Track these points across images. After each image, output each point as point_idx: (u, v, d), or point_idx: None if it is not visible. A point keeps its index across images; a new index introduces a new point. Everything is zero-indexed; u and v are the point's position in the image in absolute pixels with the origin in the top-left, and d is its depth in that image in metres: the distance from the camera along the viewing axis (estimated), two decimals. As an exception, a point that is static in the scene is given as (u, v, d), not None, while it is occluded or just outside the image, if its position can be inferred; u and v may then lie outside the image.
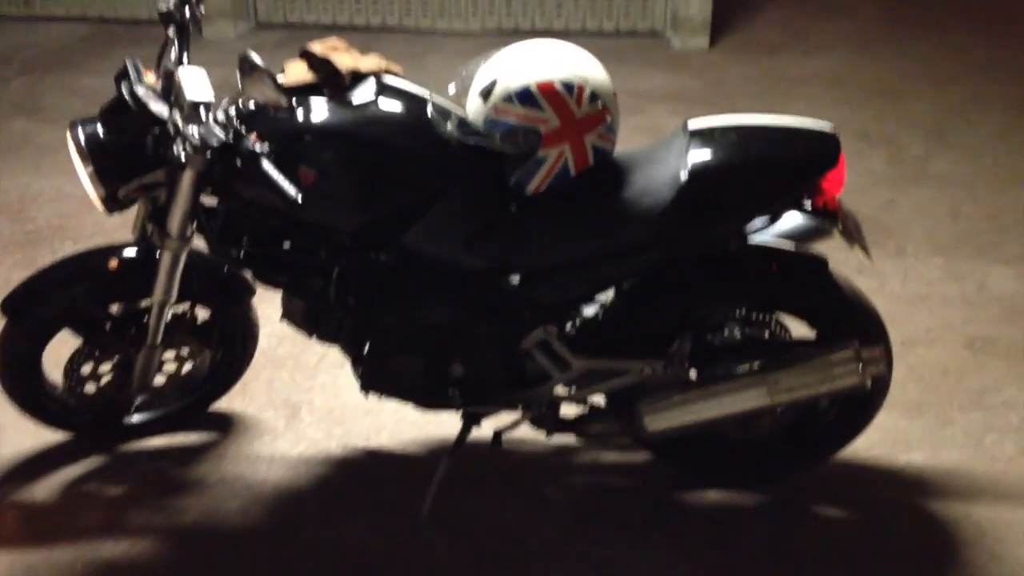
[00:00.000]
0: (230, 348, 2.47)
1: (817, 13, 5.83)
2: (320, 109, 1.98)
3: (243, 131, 1.87)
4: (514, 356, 2.17)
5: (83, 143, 2.00)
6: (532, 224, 2.03)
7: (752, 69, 5.06)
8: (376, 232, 2.04)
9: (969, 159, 4.01)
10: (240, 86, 1.80)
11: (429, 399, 2.25)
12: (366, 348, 2.23)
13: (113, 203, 2.06)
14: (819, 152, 1.97)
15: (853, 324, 2.09)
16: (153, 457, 2.49)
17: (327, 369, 2.81)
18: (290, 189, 1.81)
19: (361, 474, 2.47)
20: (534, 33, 5.43)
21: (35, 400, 2.38)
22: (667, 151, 2.02)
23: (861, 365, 2.01)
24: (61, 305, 2.25)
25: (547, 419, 2.25)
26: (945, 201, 3.69)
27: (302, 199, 1.82)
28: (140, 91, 1.95)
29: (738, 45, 5.41)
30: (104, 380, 2.37)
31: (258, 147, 1.84)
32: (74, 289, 2.26)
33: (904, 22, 5.65)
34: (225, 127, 1.87)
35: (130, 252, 2.27)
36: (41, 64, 5.19)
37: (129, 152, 2.02)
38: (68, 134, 2.05)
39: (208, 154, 1.87)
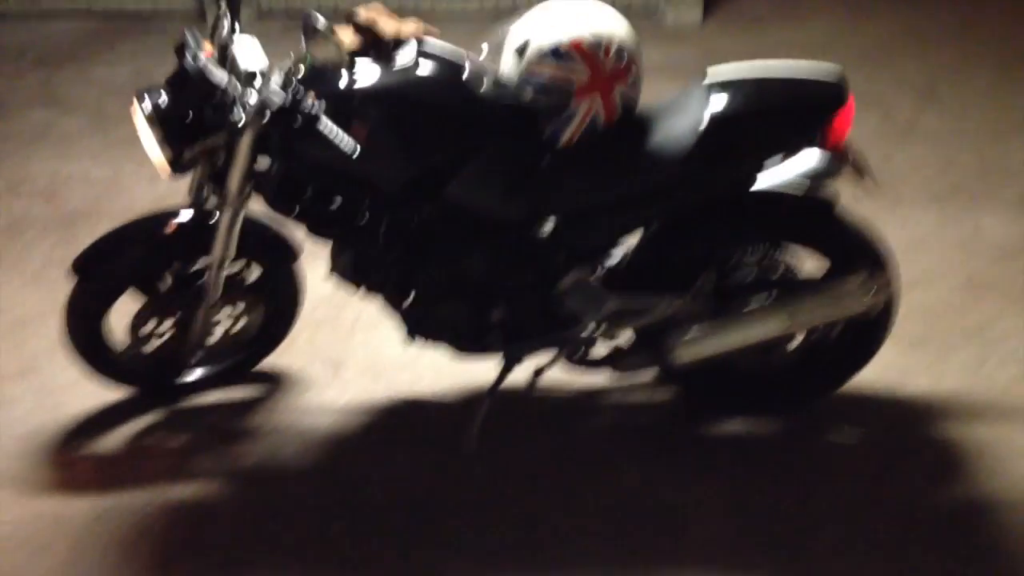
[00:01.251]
0: (279, 306, 2.63)
1: (805, -16, 6.00)
2: (367, 71, 2.14)
3: (301, 92, 2.03)
4: (550, 298, 2.35)
5: (151, 110, 2.16)
6: (565, 173, 2.20)
7: (745, 40, 5.22)
8: (421, 185, 2.21)
9: (958, 115, 4.19)
10: (304, 45, 1.96)
11: (471, 343, 2.42)
12: (411, 297, 2.40)
13: (178, 166, 2.22)
14: (829, 94, 2.15)
15: (862, 255, 2.27)
16: (209, 411, 2.66)
17: (363, 329, 2.97)
18: (348, 143, 1.97)
19: (405, 418, 2.64)
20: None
21: (100, 358, 2.53)
22: (688, 100, 2.19)
23: (871, 291, 2.18)
24: (126, 265, 2.41)
25: (582, 357, 2.43)
26: (937, 155, 3.87)
27: (356, 154, 1.98)
28: (202, 59, 2.11)
29: (730, 18, 5.57)
30: (164, 337, 2.53)
31: (316, 106, 2.00)
32: (137, 250, 2.42)
33: (889, -11, 5.83)
34: (284, 89, 2.03)
35: (187, 215, 2.42)
36: (53, 58, 5.31)
37: (192, 118, 2.18)
38: (134, 103, 2.20)
39: (267, 116, 2.03)
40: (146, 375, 2.62)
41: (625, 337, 2.44)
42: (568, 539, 2.24)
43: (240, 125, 2.09)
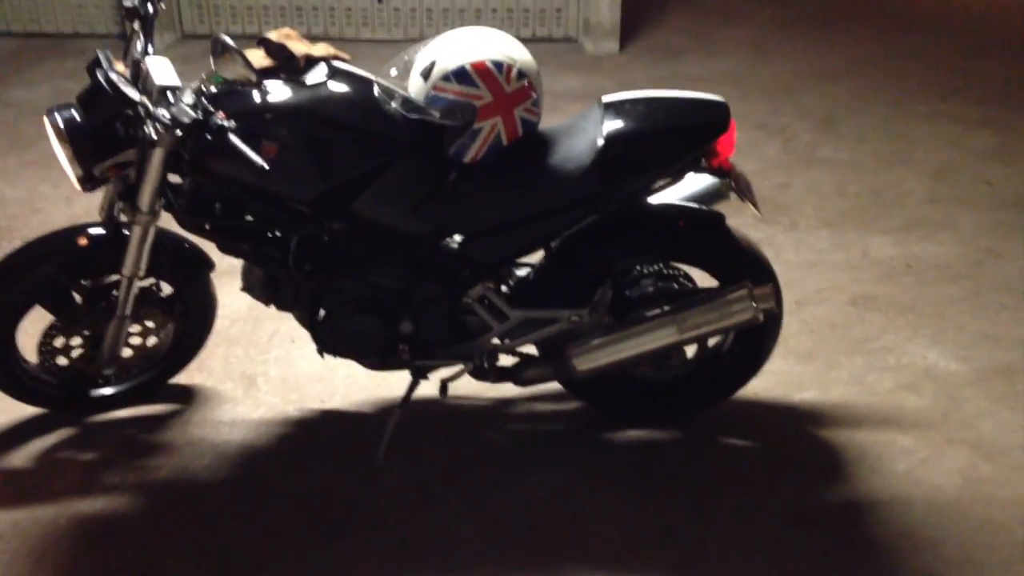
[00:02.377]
0: (191, 321, 2.67)
1: (716, 19, 6.26)
2: (278, 89, 2.22)
3: (211, 109, 2.09)
4: (457, 311, 2.44)
5: (62, 127, 2.20)
6: (470, 190, 2.30)
7: (659, 70, 5.44)
8: (331, 201, 2.28)
9: (854, 145, 4.43)
10: (213, 65, 2.03)
11: (381, 356, 2.49)
12: (321, 312, 2.46)
13: (89, 182, 2.26)
14: (713, 118, 2.30)
15: (748, 269, 2.41)
16: (121, 425, 2.68)
17: (278, 344, 3.02)
18: (257, 159, 2.04)
19: (318, 431, 2.70)
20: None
21: (10, 376, 2.54)
22: (585, 122, 2.32)
23: (754, 302, 2.32)
24: (35, 281, 2.43)
25: (488, 369, 2.51)
26: (833, 182, 4.08)
27: (267, 169, 2.06)
28: (114, 77, 2.16)
29: (645, 49, 5.79)
30: (75, 353, 2.55)
31: (226, 123, 2.07)
32: (47, 265, 2.44)
33: (794, 27, 6.12)
34: (194, 107, 2.10)
35: (98, 230, 2.46)
36: (-31, 77, 5.27)
37: (103, 134, 2.23)
38: (46, 119, 2.24)
39: (179, 132, 2.09)
40: (57, 392, 2.62)
41: (527, 349, 2.54)
42: (478, 545, 2.31)
43: (151, 140, 2.15)
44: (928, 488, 2.45)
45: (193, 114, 2.05)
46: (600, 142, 2.24)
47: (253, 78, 2.03)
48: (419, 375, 2.54)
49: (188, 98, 2.19)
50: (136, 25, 2.33)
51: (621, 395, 2.62)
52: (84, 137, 2.21)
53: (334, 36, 5.88)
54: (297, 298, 2.46)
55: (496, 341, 2.47)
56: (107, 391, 2.68)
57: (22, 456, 2.56)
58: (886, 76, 5.27)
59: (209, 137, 2.08)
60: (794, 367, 2.89)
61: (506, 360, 2.58)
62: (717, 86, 5.30)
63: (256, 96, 2.20)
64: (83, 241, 2.45)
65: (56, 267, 2.44)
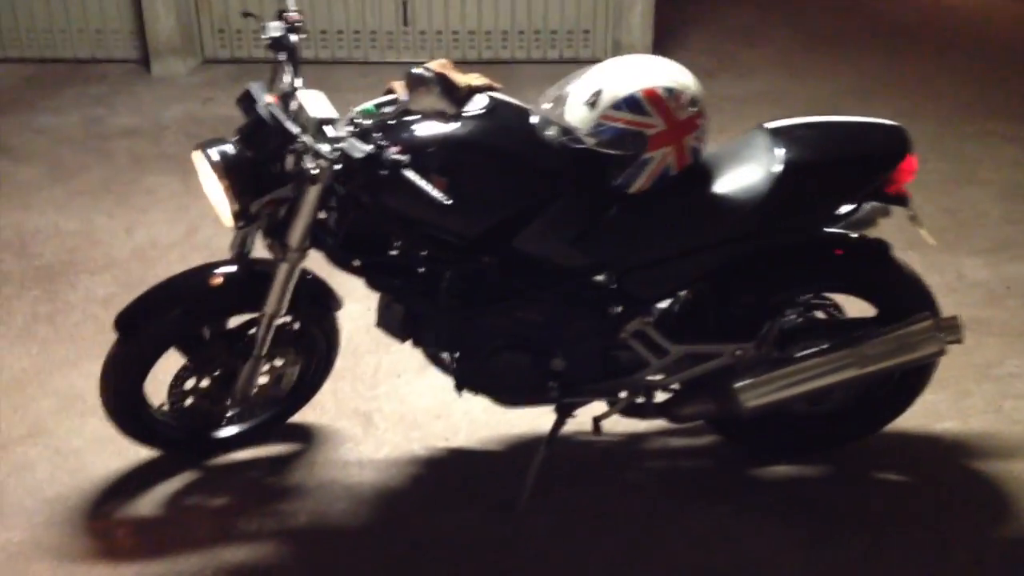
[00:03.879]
0: (317, 359, 2.56)
1: (739, 40, 6.26)
2: (440, 121, 2.12)
3: (383, 143, 2.00)
4: (611, 347, 2.35)
5: (219, 162, 2.09)
6: (635, 222, 2.22)
7: (697, 92, 5.40)
8: (492, 235, 2.19)
9: (913, 166, 4.42)
10: (409, 99, 1.93)
11: (528, 394, 2.40)
12: (464, 348, 2.36)
13: (245, 218, 2.14)
14: (893, 145, 2.25)
15: (913, 300, 2.36)
16: (245, 468, 2.55)
17: (384, 379, 2.91)
18: (438, 194, 1.95)
19: (449, 471, 2.59)
20: (482, 64, 5.65)
21: (134, 418, 2.41)
22: (751, 149, 2.24)
23: (940, 333, 2.26)
24: (171, 320, 2.30)
25: (643, 406, 2.43)
26: (903, 204, 4.05)
27: (446, 204, 1.96)
28: (276, 112, 2.06)
29: (679, 71, 5.75)
30: (204, 394, 2.43)
31: (400, 157, 1.97)
32: (182, 305, 2.32)
33: (814, 46, 6.13)
34: (365, 139, 2.00)
35: (230, 269, 2.34)
36: (-7, 105, 5.09)
37: (260, 169, 2.12)
38: (197, 155, 2.13)
39: (343, 166, 1.99)
40: (178, 434, 2.49)
41: (677, 385, 2.44)
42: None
43: (311, 176, 2.04)
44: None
45: (367, 148, 1.96)
46: (778, 170, 2.17)
47: (452, 110, 1.94)
48: (565, 413, 2.45)
49: (343, 131, 2.08)
50: (283, 56, 2.23)
51: (767, 430, 2.53)
52: (241, 173, 2.10)
53: (358, 59, 5.79)
54: (440, 335, 2.35)
55: (654, 377, 2.38)
56: (228, 432, 2.56)
57: (149, 504, 2.42)
58: (922, 95, 5.28)
59: (382, 172, 1.98)
60: (927, 395, 2.80)
61: (659, 396, 2.48)
62: (757, 106, 5.30)
63: (421, 129, 2.10)
64: (217, 281, 2.33)
65: (193, 307, 2.33)
